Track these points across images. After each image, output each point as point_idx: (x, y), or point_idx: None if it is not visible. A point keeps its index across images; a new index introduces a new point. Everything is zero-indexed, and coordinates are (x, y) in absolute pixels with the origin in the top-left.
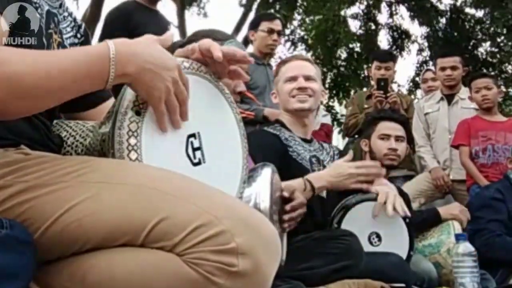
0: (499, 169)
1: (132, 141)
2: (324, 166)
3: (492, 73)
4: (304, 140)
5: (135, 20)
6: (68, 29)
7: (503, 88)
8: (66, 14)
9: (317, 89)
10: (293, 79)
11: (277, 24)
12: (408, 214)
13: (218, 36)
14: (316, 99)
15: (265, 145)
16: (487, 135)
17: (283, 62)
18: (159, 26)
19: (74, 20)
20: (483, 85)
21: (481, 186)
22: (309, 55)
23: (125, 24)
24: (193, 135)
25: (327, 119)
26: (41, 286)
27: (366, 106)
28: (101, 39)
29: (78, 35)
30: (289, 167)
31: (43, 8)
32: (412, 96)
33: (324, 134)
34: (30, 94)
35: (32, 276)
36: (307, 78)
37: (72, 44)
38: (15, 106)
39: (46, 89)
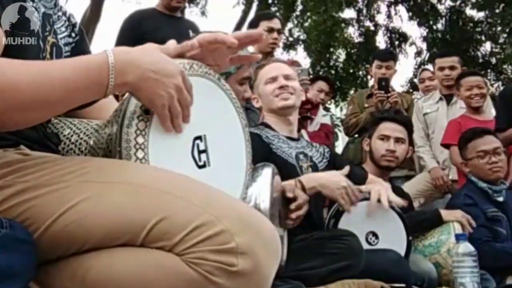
0: None
1: (140, 139)
2: (313, 162)
3: (492, 74)
4: (290, 138)
5: (145, 27)
6: (63, 28)
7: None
8: (60, 13)
9: (297, 87)
10: (274, 79)
11: (276, 23)
12: (402, 203)
13: None
14: (297, 97)
15: None
16: None
17: (261, 66)
18: (176, 31)
19: (68, 19)
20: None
21: None
22: (306, 56)
23: (133, 31)
24: (199, 138)
25: (327, 119)
26: (41, 286)
27: (366, 105)
28: (116, 45)
29: (73, 34)
30: (274, 164)
31: (40, 10)
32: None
33: (324, 135)
34: (29, 106)
35: (32, 276)
36: (287, 77)
37: (67, 44)
38: (13, 119)
39: (45, 100)
